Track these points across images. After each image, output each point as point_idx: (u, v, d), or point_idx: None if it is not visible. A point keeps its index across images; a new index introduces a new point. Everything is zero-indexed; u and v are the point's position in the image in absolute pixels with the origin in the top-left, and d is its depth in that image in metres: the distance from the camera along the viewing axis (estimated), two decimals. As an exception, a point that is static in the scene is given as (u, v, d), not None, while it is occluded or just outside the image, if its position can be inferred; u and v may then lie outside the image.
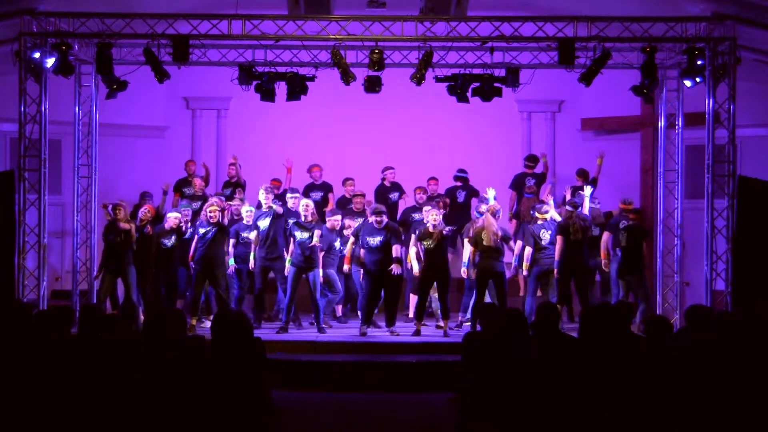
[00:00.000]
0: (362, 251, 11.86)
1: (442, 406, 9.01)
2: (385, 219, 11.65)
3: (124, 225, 11.97)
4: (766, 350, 6.33)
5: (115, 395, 5.92)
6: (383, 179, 13.91)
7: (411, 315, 12.60)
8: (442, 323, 11.85)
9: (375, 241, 11.60)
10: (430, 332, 11.88)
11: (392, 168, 13.89)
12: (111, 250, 12.00)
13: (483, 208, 11.86)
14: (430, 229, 11.57)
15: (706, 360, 6.09)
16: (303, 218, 11.86)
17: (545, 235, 11.91)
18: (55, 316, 6.95)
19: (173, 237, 12.18)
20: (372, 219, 11.67)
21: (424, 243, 11.59)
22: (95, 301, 12.20)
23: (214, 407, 5.98)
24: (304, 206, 11.88)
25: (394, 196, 13.78)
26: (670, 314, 12.47)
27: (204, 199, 12.82)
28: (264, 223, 12.09)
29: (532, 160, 14.25)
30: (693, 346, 6.34)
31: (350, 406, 9.62)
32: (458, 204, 13.89)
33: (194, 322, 11.76)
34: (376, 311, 12.17)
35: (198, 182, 13.56)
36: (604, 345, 6.19)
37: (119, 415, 5.87)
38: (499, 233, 11.54)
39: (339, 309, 13.01)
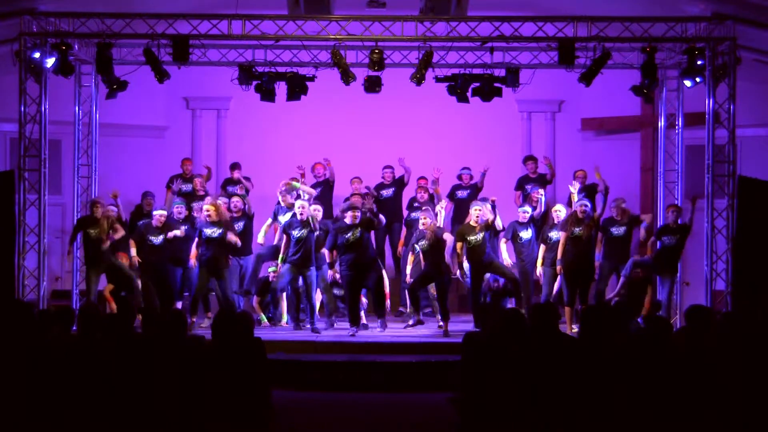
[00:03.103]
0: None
1: (442, 406, 8.99)
2: (359, 214, 11.46)
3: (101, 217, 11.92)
4: (766, 350, 6.32)
5: (114, 395, 5.92)
6: (383, 177, 13.88)
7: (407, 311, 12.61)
8: (442, 323, 11.85)
9: (353, 236, 11.43)
10: (431, 332, 11.87)
11: (390, 167, 13.79)
12: (87, 244, 11.99)
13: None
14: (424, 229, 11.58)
15: (706, 360, 6.09)
16: (298, 218, 11.79)
17: (524, 234, 12.29)
18: (55, 316, 6.96)
19: (161, 235, 11.97)
20: (347, 216, 11.51)
21: (420, 244, 11.58)
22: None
23: (214, 407, 5.99)
24: (299, 207, 11.79)
25: (388, 192, 13.67)
26: (670, 314, 12.47)
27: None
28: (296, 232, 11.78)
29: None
30: (693, 346, 6.34)
31: (350, 406, 9.61)
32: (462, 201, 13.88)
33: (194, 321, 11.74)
34: (363, 314, 12.18)
35: (198, 181, 13.52)
36: (604, 345, 6.18)
37: (119, 414, 5.87)
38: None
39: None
